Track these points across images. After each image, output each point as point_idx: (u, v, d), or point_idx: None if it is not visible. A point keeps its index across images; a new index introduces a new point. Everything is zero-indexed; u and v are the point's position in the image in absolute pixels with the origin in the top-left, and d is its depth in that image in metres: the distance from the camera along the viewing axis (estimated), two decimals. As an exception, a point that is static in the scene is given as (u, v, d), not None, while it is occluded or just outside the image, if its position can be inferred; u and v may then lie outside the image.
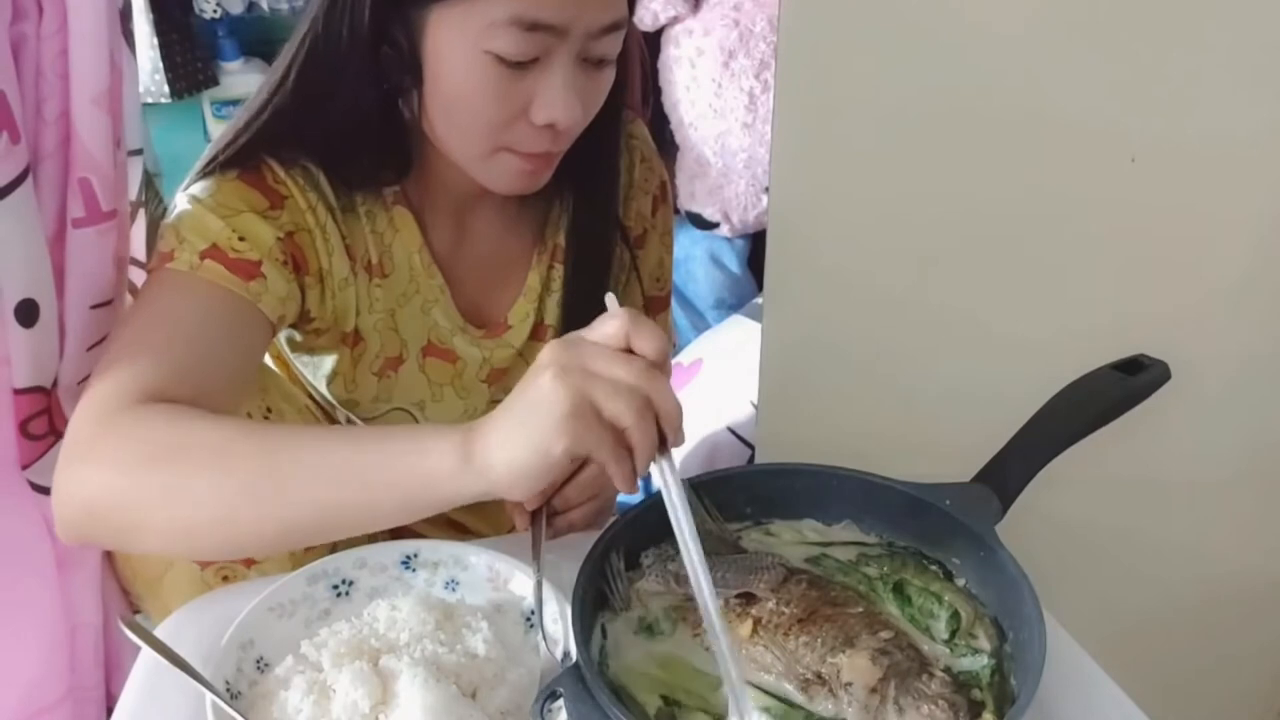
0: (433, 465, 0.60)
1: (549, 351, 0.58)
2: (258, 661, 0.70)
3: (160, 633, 0.74)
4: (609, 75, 0.83)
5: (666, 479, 0.59)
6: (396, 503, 0.63)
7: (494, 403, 0.99)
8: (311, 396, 0.97)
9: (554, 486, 0.81)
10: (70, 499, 0.68)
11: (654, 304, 1.07)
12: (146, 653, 0.69)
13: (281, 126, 0.83)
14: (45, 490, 0.82)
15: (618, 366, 0.56)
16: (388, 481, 0.61)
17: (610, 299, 0.62)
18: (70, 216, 0.79)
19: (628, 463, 0.58)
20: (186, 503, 0.64)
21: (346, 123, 0.83)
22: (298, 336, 0.90)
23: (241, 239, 0.79)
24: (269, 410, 0.88)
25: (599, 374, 0.56)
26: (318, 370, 0.93)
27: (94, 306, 0.82)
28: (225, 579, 0.86)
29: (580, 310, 0.99)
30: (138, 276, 0.94)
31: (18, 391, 0.78)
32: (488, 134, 0.80)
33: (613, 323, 0.58)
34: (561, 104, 0.77)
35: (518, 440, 0.57)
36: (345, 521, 0.65)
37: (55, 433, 0.82)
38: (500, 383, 0.99)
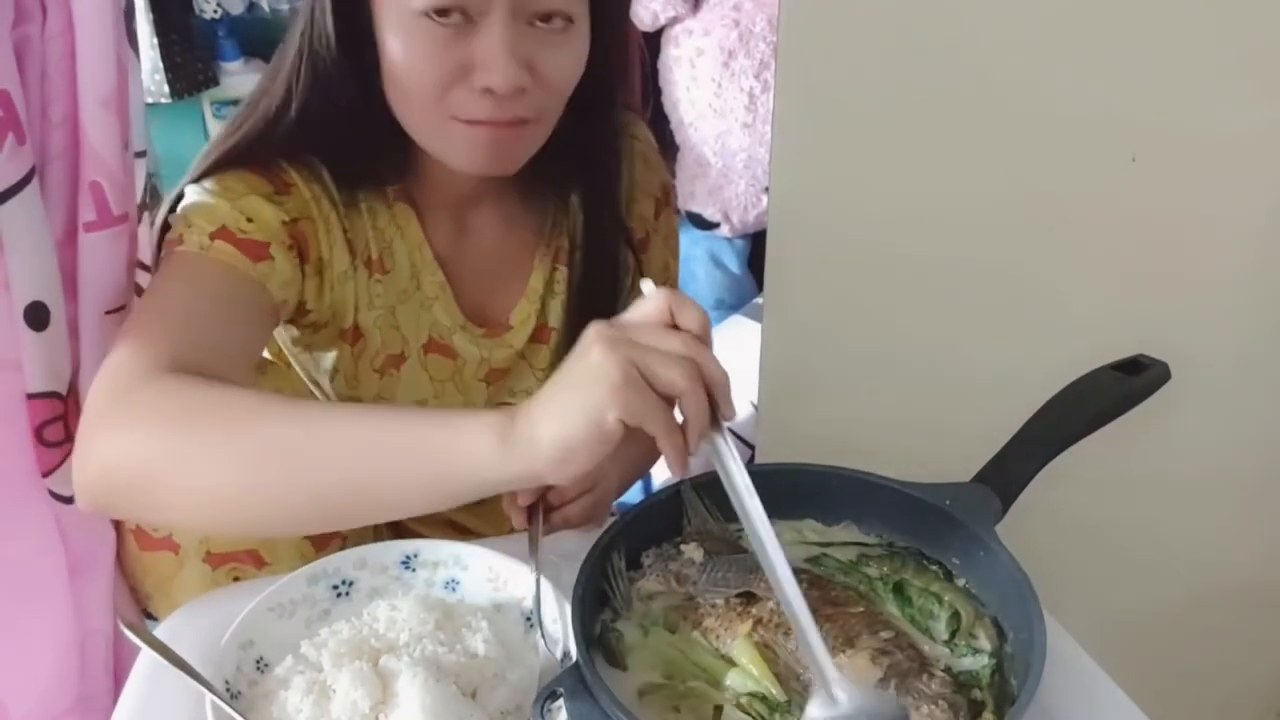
0: (470, 444, 0.58)
1: (594, 330, 0.57)
2: (257, 661, 0.70)
3: (160, 633, 0.74)
4: (571, 46, 0.80)
5: (722, 451, 0.59)
6: (428, 481, 0.60)
7: (492, 402, 0.99)
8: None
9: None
10: (87, 464, 0.66)
11: None
12: (146, 653, 0.69)
13: (276, 131, 0.83)
14: (65, 499, 0.82)
15: (666, 339, 0.57)
16: (421, 456, 0.59)
17: (647, 284, 0.61)
18: (81, 221, 0.78)
19: (679, 434, 0.57)
20: (212, 466, 0.62)
21: (339, 123, 0.83)
22: (295, 332, 0.91)
23: (249, 220, 0.79)
24: None
25: (648, 345, 0.56)
26: (319, 368, 0.93)
27: (108, 312, 0.82)
28: (236, 579, 0.86)
29: (585, 313, 0.98)
30: (144, 280, 0.93)
31: (31, 396, 0.77)
32: (431, 99, 0.78)
33: (654, 301, 0.58)
34: (498, 65, 0.75)
35: (568, 413, 0.56)
36: (375, 498, 0.62)
37: (72, 439, 0.82)
38: (499, 383, 0.99)
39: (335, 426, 0.62)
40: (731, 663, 0.66)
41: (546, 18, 0.77)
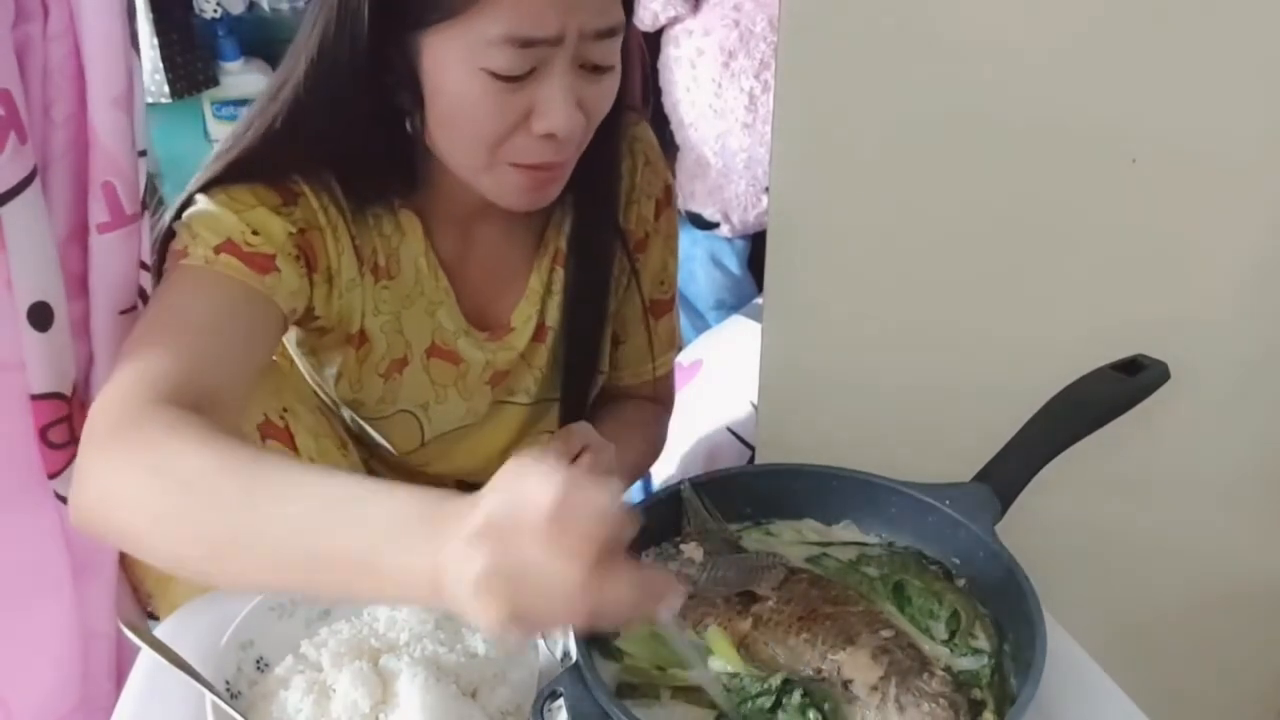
0: (405, 586, 0.55)
1: (476, 542, 0.50)
2: (258, 661, 0.70)
3: (160, 633, 0.74)
4: (612, 82, 0.82)
5: None
6: (365, 595, 0.65)
7: (495, 403, 0.99)
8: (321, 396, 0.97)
9: None
10: (86, 491, 0.66)
11: (657, 307, 1.07)
12: (146, 653, 0.69)
13: (282, 146, 0.83)
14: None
15: (556, 568, 0.49)
16: (354, 579, 0.57)
17: (563, 435, 0.57)
18: (95, 222, 0.78)
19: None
20: (171, 536, 0.63)
21: (350, 143, 0.83)
22: (301, 335, 0.91)
23: (255, 233, 0.79)
24: (285, 410, 0.88)
25: (530, 586, 0.50)
26: (323, 370, 0.93)
27: (122, 312, 0.82)
28: None
29: (580, 314, 0.99)
30: (143, 280, 0.93)
31: (35, 398, 0.77)
32: (488, 148, 0.80)
33: (548, 494, 0.49)
34: (561, 113, 0.77)
35: (476, 612, 0.51)
36: (321, 591, 0.67)
37: (76, 440, 0.81)
38: (502, 384, 0.99)
39: (273, 526, 0.59)
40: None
41: (597, 69, 0.79)
